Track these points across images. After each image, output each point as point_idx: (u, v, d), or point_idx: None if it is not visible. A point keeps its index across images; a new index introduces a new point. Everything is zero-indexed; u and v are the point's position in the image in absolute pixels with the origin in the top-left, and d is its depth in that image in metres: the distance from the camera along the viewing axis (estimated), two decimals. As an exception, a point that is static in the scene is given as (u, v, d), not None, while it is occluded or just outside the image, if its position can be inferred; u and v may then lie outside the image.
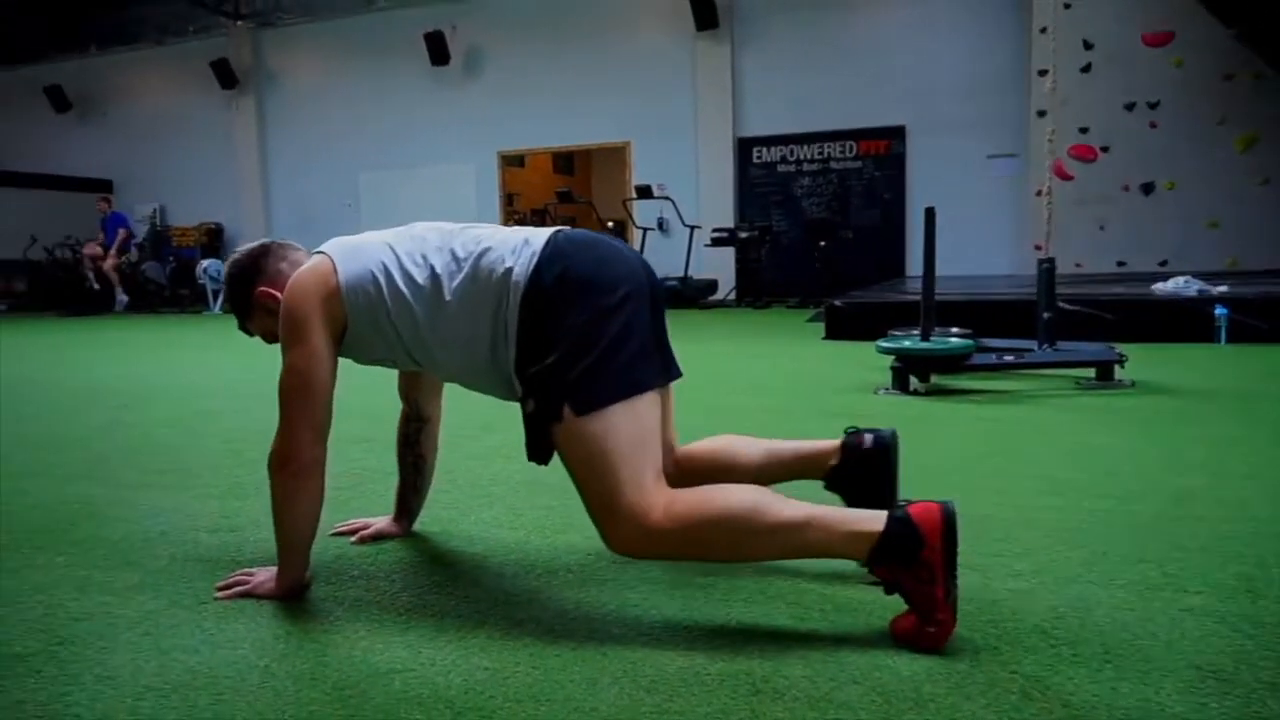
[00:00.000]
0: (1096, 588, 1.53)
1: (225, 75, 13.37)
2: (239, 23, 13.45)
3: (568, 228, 1.58)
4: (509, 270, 1.45)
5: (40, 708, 1.21)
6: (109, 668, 1.32)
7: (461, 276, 1.49)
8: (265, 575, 1.61)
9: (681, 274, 10.46)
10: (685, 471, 1.65)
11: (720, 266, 10.75)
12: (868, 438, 1.61)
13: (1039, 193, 7.74)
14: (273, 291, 1.67)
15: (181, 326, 9.48)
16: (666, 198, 10.86)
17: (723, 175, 11.12)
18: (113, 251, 12.16)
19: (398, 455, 1.92)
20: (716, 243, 10.24)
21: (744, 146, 11.09)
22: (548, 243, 1.48)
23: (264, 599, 1.57)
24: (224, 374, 5.12)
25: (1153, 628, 1.36)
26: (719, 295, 10.66)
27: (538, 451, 1.46)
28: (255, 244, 1.76)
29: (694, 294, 10.21)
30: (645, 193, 10.80)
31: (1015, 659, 1.27)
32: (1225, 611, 1.42)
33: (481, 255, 1.50)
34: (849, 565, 1.43)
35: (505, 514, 2.07)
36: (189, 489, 2.40)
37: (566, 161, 15.81)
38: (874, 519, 1.32)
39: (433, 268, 1.52)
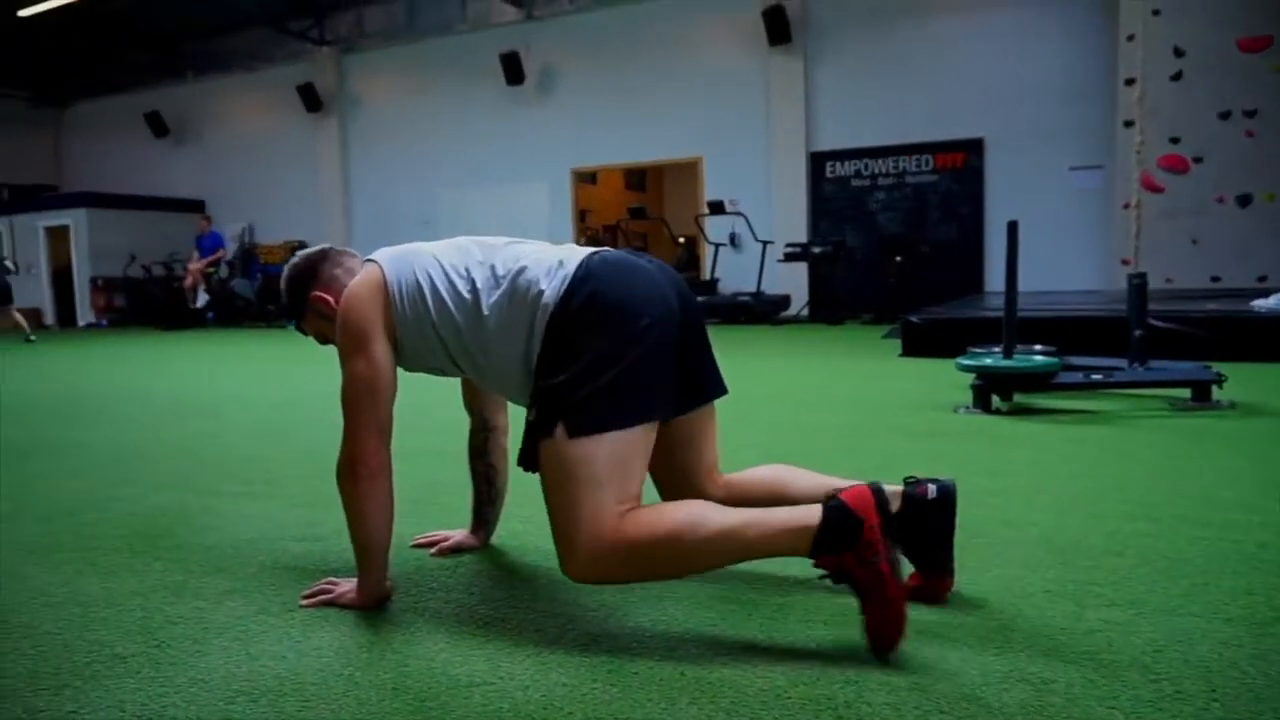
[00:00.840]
0: (1199, 620, 1.45)
1: (311, 99, 13.88)
2: (324, 48, 13.97)
3: (606, 249, 1.59)
4: (541, 292, 1.49)
5: (140, 708, 1.26)
6: (202, 671, 1.37)
7: (499, 294, 1.54)
8: (348, 585, 1.65)
9: (754, 289, 10.41)
10: (737, 502, 1.61)
11: (793, 282, 10.66)
12: (931, 488, 1.55)
13: (1126, 205, 7.47)
14: (326, 296, 1.72)
15: (267, 341, 9.84)
16: (739, 213, 10.83)
17: (796, 190, 11.04)
18: (203, 261, 12.75)
19: (470, 467, 1.95)
20: (789, 258, 10.16)
21: (817, 161, 10.99)
22: (580, 265, 1.50)
23: (347, 608, 1.60)
24: (305, 386, 5.28)
25: (1264, 666, 1.29)
26: (792, 311, 10.57)
27: (528, 460, 1.50)
28: (314, 249, 1.82)
29: (766, 310, 10.14)
30: (717, 208, 10.78)
31: (1113, 694, 1.21)
32: (1344, 650, 1.33)
33: (518, 274, 1.54)
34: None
35: (580, 529, 2.08)
36: (275, 498, 2.48)
37: (638, 178, 15.92)
38: (810, 513, 1.34)
39: (474, 281, 1.57)
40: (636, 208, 12.02)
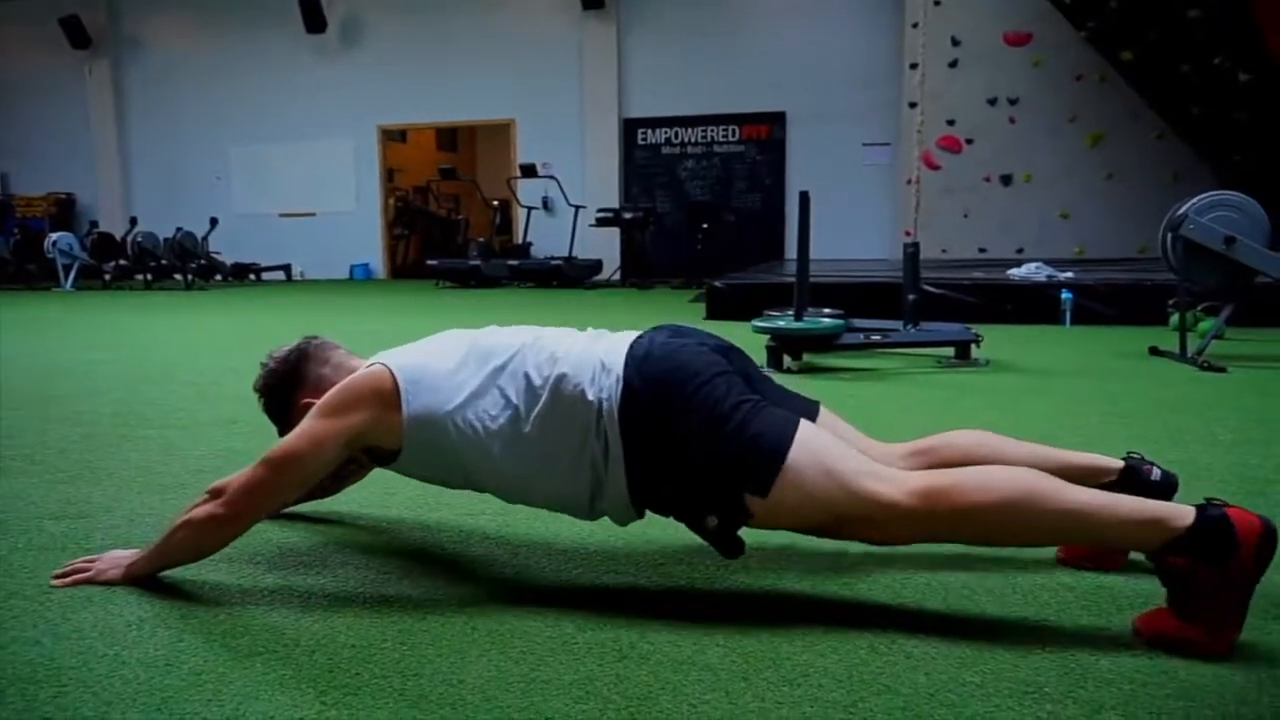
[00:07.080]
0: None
1: (76, 34, 12.43)
2: (91, -22, 12.54)
3: (644, 336, 1.49)
4: (594, 401, 1.39)
5: None
6: (-63, 664, 1.24)
7: (540, 407, 1.42)
8: (109, 562, 1.53)
9: (566, 254, 10.45)
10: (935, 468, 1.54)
11: (605, 247, 10.79)
12: (1155, 471, 1.50)
13: (910, 181, 8.10)
14: (316, 402, 1.54)
15: (29, 303, 8.82)
16: (551, 177, 10.80)
17: (608, 156, 11.14)
18: None
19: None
20: (601, 223, 10.27)
21: (629, 127, 11.13)
22: (626, 363, 1.42)
23: (110, 585, 1.50)
24: (75, 354, 4.81)
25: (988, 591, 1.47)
26: (604, 275, 10.70)
27: (734, 549, 1.40)
28: (289, 348, 1.66)
29: (578, 274, 10.22)
30: (530, 171, 10.71)
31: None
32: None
33: (559, 381, 1.42)
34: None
35: (378, 494, 2.04)
36: (33, 475, 2.26)
37: (450, 138, 15.47)
38: (1179, 512, 1.22)
39: (509, 399, 1.44)
40: (447, 168, 11.71)
